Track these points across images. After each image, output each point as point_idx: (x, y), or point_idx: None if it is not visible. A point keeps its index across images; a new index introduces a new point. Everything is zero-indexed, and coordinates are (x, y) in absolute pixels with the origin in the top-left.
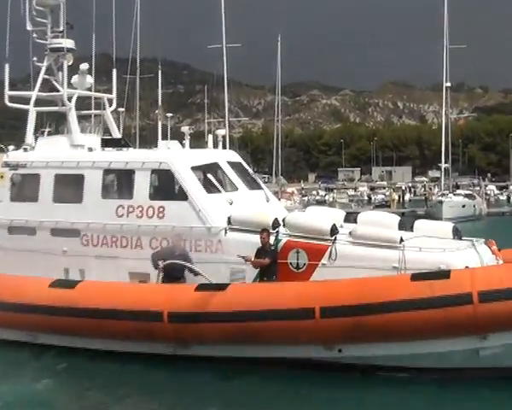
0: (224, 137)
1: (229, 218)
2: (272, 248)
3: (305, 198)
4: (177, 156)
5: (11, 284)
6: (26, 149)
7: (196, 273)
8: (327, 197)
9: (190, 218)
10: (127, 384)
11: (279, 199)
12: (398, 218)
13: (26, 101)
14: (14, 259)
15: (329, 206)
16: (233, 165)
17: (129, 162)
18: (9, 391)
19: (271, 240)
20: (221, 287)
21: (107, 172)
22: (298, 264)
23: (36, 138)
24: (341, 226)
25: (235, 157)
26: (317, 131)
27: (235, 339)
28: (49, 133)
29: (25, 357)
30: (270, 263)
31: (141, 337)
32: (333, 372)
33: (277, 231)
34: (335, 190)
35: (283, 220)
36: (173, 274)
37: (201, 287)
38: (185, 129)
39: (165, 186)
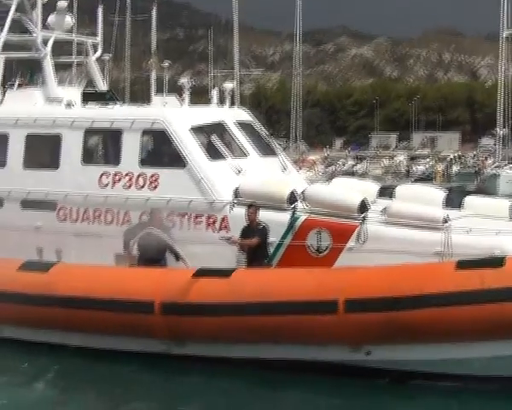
0: (232, 91)
1: (236, 190)
2: (260, 226)
3: (330, 168)
4: (173, 114)
5: None
6: None
7: (177, 257)
8: (357, 168)
9: (189, 189)
10: (115, 387)
11: (298, 169)
12: (442, 193)
13: None
14: None
15: (360, 178)
16: (242, 126)
17: (115, 121)
18: None
19: (286, 217)
20: (224, 273)
21: (89, 132)
22: (319, 247)
23: (4, 92)
24: (374, 202)
25: (245, 117)
26: (345, 88)
27: (240, 336)
28: (20, 85)
29: None
30: (259, 244)
31: (128, 333)
32: (354, 379)
33: (294, 207)
34: (367, 160)
35: (302, 194)
36: (150, 256)
37: (201, 272)
38: (184, 81)
39: (159, 150)
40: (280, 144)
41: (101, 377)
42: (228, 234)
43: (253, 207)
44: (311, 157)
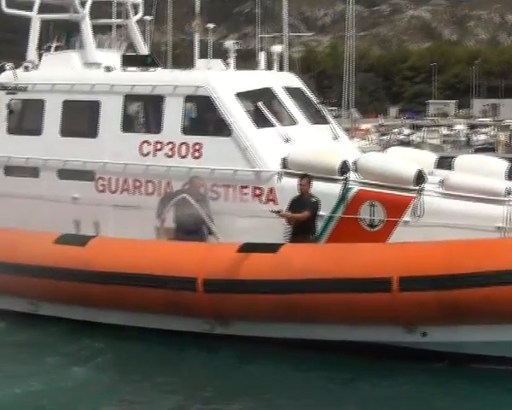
0: (280, 55)
1: (284, 159)
2: (313, 199)
3: (385, 137)
4: (218, 79)
5: (6, 240)
6: (27, 68)
7: (210, 230)
8: (413, 137)
9: (234, 158)
10: (154, 367)
11: (351, 138)
12: (505, 164)
13: (28, 6)
14: (10, 207)
15: (416, 148)
16: (291, 91)
17: (157, 86)
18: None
19: (337, 188)
20: (272, 248)
21: (129, 98)
22: (372, 221)
23: (40, 55)
24: (431, 173)
25: (295, 82)
26: (401, 52)
27: (288, 316)
28: (57, 49)
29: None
30: (309, 218)
31: (169, 311)
32: (408, 362)
33: (346, 178)
34: (424, 128)
35: (355, 164)
36: (184, 227)
37: (246, 247)
38: (229, 44)
39: (203, 118)
40: (331, 111)
41: (138, 356)
42: (276, 207)
43: (306, 178)
44: (365, 125)
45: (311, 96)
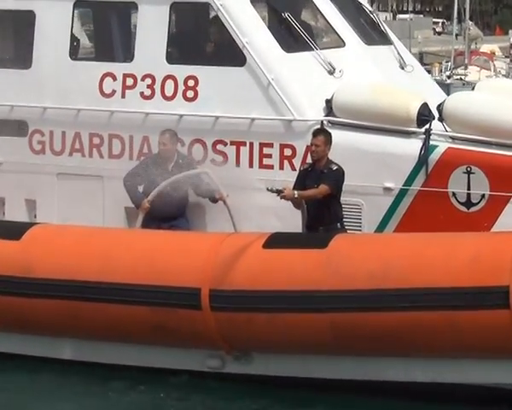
0: None
1: (328, 101)
2: (334, 167)
3: None
4: None
5: None
6: None
7: (217, 198)
8: None
9: (250, 100)
10: None
11: (465, 66)
12: None
13: None
14: None
15: None
16: None
17: None
18: None
19: (414, 146)
20: (317, 241)
21: (80, 4)
22: (469, 196)
23: None
24: None
25: None
26: None
27: (343, 345)
28: None
29: None
30: (332, 195)
31: (156, 339)
32: None
33: (428, 131)
34: None
35: (439, 109)
36: (164, 211)
37: (276, 240)
38: None
39: (200, 37)
40: (435, 26)
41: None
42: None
43: (321, 135)
44: (487, 47)
45: (363, 0)
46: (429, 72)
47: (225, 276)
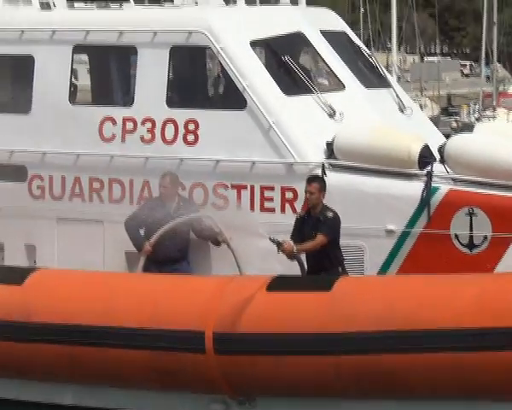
0: None
1: (329, 144)
2: (330, 214)
3: None
4: (223, 20)
5: None
6: None
7: (222, 240)
8: None
9: (251, 143)
10: None
11: (494, 108)
12: None
13: None
14: None
15: None
16: (332, 38)
17: (125, 32)
18: None
19: (416, 188)
20: (321, 284)
21: (79, 49)
22: (471, 238)
23: None
24: None
25: (336, 22)
26: None
27: (354, 389)
28: None
29: None
30: (329, 243)
31: (158, 384)
32: None
33: (430, 173)
34: None
35: (440, 150)
36: (165, 255)
37: (280, 283)
38: None
39: (201, 80)
40: (462, 68)
41: None
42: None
43: (315, 183)
44: None
45: (361, 43)
46: (457, 114)
47: (229, 319)
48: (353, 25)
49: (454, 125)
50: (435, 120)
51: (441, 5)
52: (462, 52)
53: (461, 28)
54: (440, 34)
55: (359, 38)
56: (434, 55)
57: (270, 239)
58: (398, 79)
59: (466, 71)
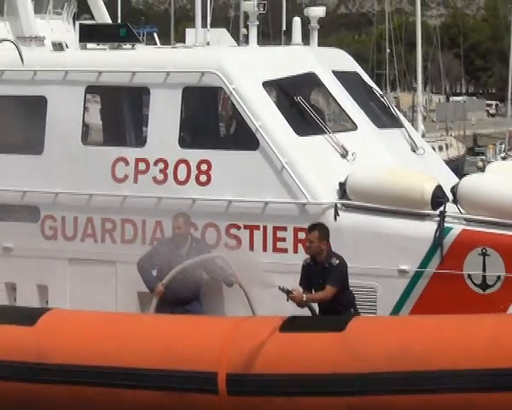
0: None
1: (342, 184)
2: (335, 261)
3: None
4: (235, 61)
5: None
6: None
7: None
8: None
9: (264, 184)
10: None
11: None
12: None
13: None
14: None
15: None
16: (345, 78)
17: (138, 72)
18: None
19: (429, 229)
20: (334, 324)
21: (92, 89)
22: (484, 278)
23: None
24: None
25: (348, 63)
26: None
27: None
28: None
29: None
30: (339, 293)
31: None
32: None
33: (443, 213)
34: None
35: (453, 191)
36: (177, 296)
37: (294, 324)
38: (248, 5)
39: (213, 120)
40: (488, 108)
41: None
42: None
43: (314, 232)
44: None
45: (373, 84)
46: (484, 153)
47: (242, 360)
48: (379, 65)
49: (480, 164)
50: (461, 160)
51: (466, 45)
52: (487, 92)
53: (487, 68)
54: (466, 74)
55: (385, 78)
56: (460, 94)
57: (279, 288)
58: (424, 118)
59: (492, 111)
